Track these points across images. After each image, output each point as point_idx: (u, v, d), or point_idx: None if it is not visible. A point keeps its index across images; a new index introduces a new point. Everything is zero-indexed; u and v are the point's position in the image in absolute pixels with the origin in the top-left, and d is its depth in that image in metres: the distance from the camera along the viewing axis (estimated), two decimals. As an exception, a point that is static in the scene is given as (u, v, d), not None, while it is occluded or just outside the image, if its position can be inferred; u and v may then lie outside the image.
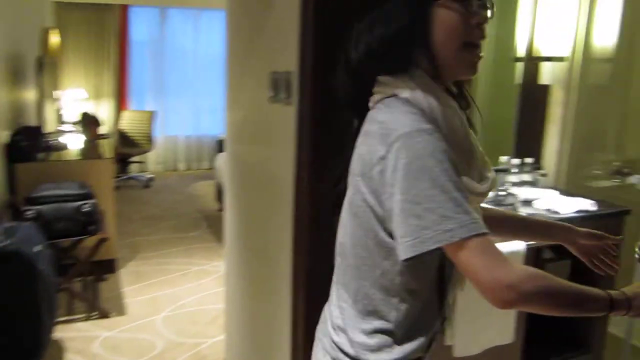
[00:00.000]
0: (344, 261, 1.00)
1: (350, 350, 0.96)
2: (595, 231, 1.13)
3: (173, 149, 7.37)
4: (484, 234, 0.81)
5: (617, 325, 2.41)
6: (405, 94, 0.90)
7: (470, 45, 0.91)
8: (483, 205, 1.11)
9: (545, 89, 2.65)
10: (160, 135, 7.10)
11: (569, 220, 2.11)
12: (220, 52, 6.31)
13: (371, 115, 0.93)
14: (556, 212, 2.17)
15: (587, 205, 2.20)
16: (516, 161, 2.55)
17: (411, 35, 0.90)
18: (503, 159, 2.61)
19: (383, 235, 0.91)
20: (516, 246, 1.95)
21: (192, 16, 7.08)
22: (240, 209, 2.26)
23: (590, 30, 2.56)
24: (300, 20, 1.42)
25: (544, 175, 2.60)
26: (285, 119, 1.58)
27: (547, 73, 2.58)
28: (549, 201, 2.24)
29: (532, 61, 2.58)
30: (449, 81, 0.98)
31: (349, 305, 0.98)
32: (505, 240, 1.16)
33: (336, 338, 1.00)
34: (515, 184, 2.54)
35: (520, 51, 2.58)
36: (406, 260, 0.83)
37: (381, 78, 0.94)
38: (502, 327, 2.00)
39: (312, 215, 1.41)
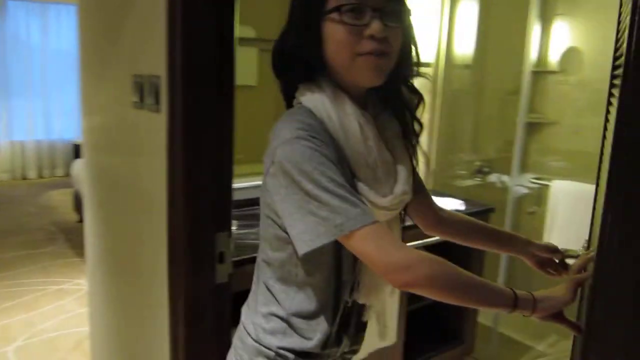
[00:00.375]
0: (258, 256, 1.07)
1: (252, 330, 1.03)
2: (550, 245, 1.19)
3: (21, 155, 6.60)
4: (373, 223, 0.86)
5: (485, 316, 2.58)
6: (307, 102, 0.94)
7: (364, 54, 0.90)
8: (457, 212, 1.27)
9: (413, 93, 2.75)
10: (4, 140, 6.32)
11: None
12: (73, 48, 5.76)
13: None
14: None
15: (457, 205, 2.31)
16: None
17: (304, 48, 0.93)
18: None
19: (280, 230, 0.97)
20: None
21: (37, 9, 6.38)
22: (103, 223, 2.03)
23: (452, 38, 2.70)
24: (167, 18, 1.27)
25: (415, 176, 2.69)
26: (154, 128, 1.41)
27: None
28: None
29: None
30: (357, 88, 0.97)
31: (256, 293, 1.06)
32: (474, 247, 1.21)
33: (243, 318, 1.08)
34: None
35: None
36: (304, 254, 0.88)
37: (299, 85, 0.98)
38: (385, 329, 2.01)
39: (189, 235, 1.27)
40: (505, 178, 2.83)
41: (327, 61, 0.93)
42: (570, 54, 2.70)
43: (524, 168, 2.84)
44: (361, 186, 0.93)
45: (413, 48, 0.98)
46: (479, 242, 1.27)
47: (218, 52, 1.23)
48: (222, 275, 1.35)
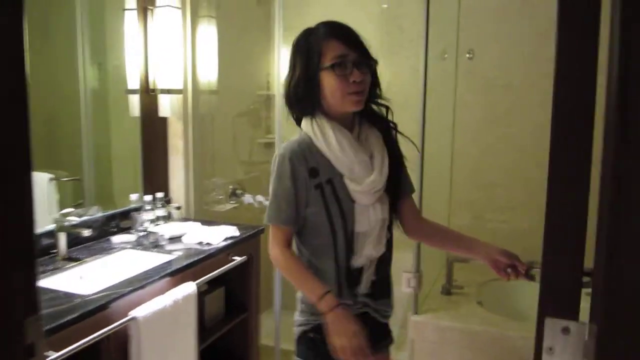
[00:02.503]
0: None
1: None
2: (509, 251, 1.43)
3: None
4: (277, 225, 1.43)
5: (268, 338, 2.65)
6: (304, 128, 1.45)
7: (351, 93, 1.35)
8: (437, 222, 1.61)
9: (164, 121, 2.63)
10: None
11: (222, 248, 2.17)
12: None
13: None
14: (209, 244, 2.19)
15: (232, 231, 2.31)
16: (148, 198, 2.44)
17: (309, 93, 1.40)
18: (133, 197, 2.45)
19: None
20: (186, 288, 1.89)
21: None
22: None
23: (195, 65, 2.69)
24: None
25: (178, 208, 2.58)
26: None
27: (165, 105, 2.57)
28: (197, 234, 2.24)
29: (149, 93, 2.51)
30: (346, 113, 1.42)
31: None
32: (446, 250, 1.67)
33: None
34: (153, 222, 2.43)
35: (134, 84, 2.48)
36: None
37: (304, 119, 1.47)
38: (184, 354, 1.90)
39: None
40: (260, 198, 2.95)
41: (323, 98, 1.39)
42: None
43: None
44: (345, 179, 1.40)
45: (375, 82, 1.44)
46: (450, 247, 1.65)
47: None
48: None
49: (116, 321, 1.61)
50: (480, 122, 3.01)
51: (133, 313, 1.65)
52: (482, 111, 3.01)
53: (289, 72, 1.43)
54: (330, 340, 1.29)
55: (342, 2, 3.20)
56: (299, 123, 1.48)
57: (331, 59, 1.33)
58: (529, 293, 2.66)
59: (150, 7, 2.48)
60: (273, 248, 1.43)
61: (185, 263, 1.95)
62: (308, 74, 1.37)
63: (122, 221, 2.39)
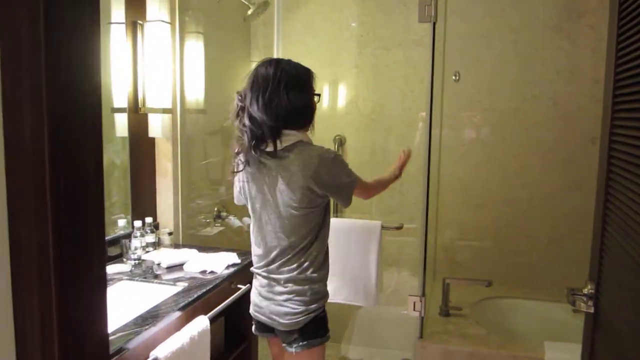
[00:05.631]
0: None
1: None
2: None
3: None
4: (358, 182, 1.81)
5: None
6: (305, 139, 1.73)
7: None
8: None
9: (152, 141, 2.50)
10: None
11: (226, 277, 2.07)
12: None
13: (299, 152, 1.68)
14: (212, 272, 2.08)
15: (233, 258, 2.21)
16: (138, 223, 2.30)
17: (313, 110, 1.77)
18: (121, 222, 2.30)
19: None
20: (200, 323, 1.77)
21: None
22: None
23: (184, 85, 2.58)
24: None
25: (170, 233, 2.44)
26: None
27: (155, 125, 2.44)
28: (198, 262, 2.13)
29: (137, 112, 2.38)
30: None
31: None
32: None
33: None
34: (143, 249, 2.29)
35: (122, 102, 2.33)
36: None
37: (285, 131, 1.68)
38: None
39: None
40: (248, 220, 2.85)
41: (312, 117, 1.77)
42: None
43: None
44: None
45: None
46: None
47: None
48: None
49: (136, 363, 1.49)
50: (466, 144, 3.07)
51: (154, 354, 1.53)
52: (467, 132, 3.07)
53: (296, 89, 1.66)
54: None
55: (320, 20, 3.19)
56: (275, 138, 1.66)
57: (316, 91, 1.78)
58: (521, 311, 2.72)
59: (140, 22, 2.35)
60: (367, 192, 1.89)
61: (195, 295, 1.84)
62: (308, 95, 1.73)
63: (110, 248, 2.23)
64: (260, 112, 1.63)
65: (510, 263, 2.97)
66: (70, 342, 0.73)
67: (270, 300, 1.75)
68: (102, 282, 0.81)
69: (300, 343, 1.72)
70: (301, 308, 1.71)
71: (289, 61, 1.70)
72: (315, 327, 1.74)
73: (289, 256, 1.71)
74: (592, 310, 1.32)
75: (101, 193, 0.78)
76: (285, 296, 1.72)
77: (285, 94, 1.63)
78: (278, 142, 1.65)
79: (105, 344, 0.84)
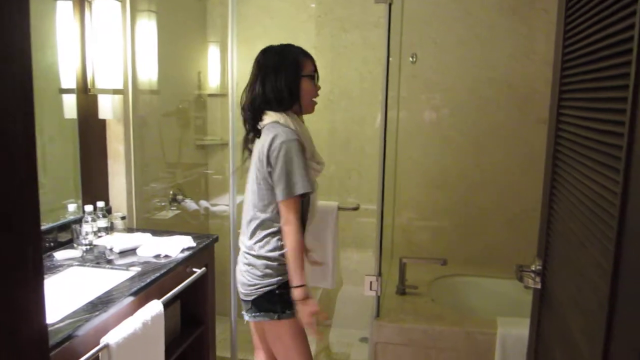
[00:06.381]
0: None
1: None
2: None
3: None
4: (302, 195, 1.77)
5: (221, 347, 2.53)
6: (281, 121, 1.80)
7: (314, 99, 1.89)
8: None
9: (103, 123, 2.41)
10: None
11: (181, 261, 2.04)
12: None
13: (265, 131, 1.81)
14: (167, 256, 2.04)
15: (188, 241, 2.17)
16: (89, 208, 2.23)
17: (291, 93, 1.82)
18: (71, 207, 2.23)
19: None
20: (153, 308, 1.74)
21: None
22: None
23: (135, 63, 2.49)
24: None
25: (123, 218, 2.38)
26: None
27: (105, 107, 2.35)
28: (152, 247, 2.08)
29: (87, 93, 2.29)
30: (302, 113, 1.89)
31: None
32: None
33: None
34: (95, 234, 2.22)
35: (70, 82, 2.24)
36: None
37: (268, 112, 1.82)
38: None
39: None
40: (205, 203, 2.81)
41: (300, 100, 1.84)
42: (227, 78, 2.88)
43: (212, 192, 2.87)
44: (309, 160, 1.80)
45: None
46: None
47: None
48: None
49: (86, 350, 1.45)
50: (423, 125, 3.09)
51: (105, 340, 1.49)
52: (424, 114, 3.09)
53: (270, 76, 1.79)
54: (301, 317, 1.78)
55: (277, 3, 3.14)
56: (254, 123, 1.83)
57: (309, 72, 1.83)
58: (475, 289, 2.79)
59: (88, -1, 2.25)
60: (294, 220, 1.73)
61: (149, 280, 1.80)
62: (295, 79, 1.81)
63: (59, 234, 2.16)
64: (248, 100, 1.85)
65: (466, 242, 3.03)
66: (2, 336, 0.70)
67: (238, 269, 1.92)
68: (37, 272, 0.78)
69: (253, 314, 1.85)
70: (254, 281, 1.82)
71: (272, 47, 1.85)
72: (268, 301, 1.81)
73: (251, 229, 1.84)
74: (539, 286, 1.35)
75: (34, 179, 0.74)
76: (244, 267, 1.86)
77: (262, 83, 1.81)
78: (260, 124, 1.83)
79: (44, 334, 0.81)
